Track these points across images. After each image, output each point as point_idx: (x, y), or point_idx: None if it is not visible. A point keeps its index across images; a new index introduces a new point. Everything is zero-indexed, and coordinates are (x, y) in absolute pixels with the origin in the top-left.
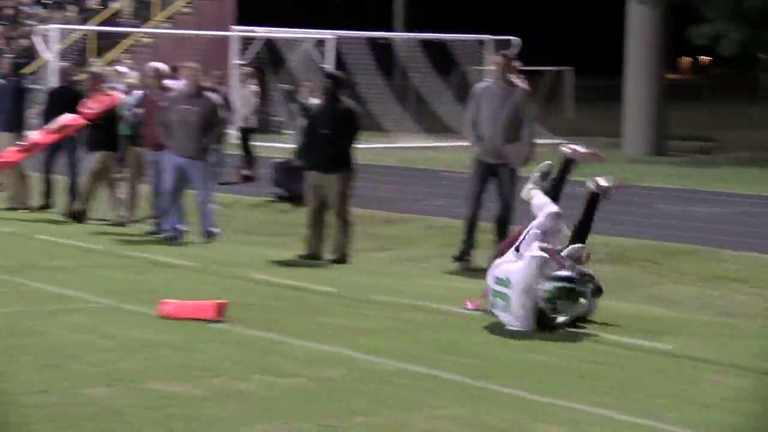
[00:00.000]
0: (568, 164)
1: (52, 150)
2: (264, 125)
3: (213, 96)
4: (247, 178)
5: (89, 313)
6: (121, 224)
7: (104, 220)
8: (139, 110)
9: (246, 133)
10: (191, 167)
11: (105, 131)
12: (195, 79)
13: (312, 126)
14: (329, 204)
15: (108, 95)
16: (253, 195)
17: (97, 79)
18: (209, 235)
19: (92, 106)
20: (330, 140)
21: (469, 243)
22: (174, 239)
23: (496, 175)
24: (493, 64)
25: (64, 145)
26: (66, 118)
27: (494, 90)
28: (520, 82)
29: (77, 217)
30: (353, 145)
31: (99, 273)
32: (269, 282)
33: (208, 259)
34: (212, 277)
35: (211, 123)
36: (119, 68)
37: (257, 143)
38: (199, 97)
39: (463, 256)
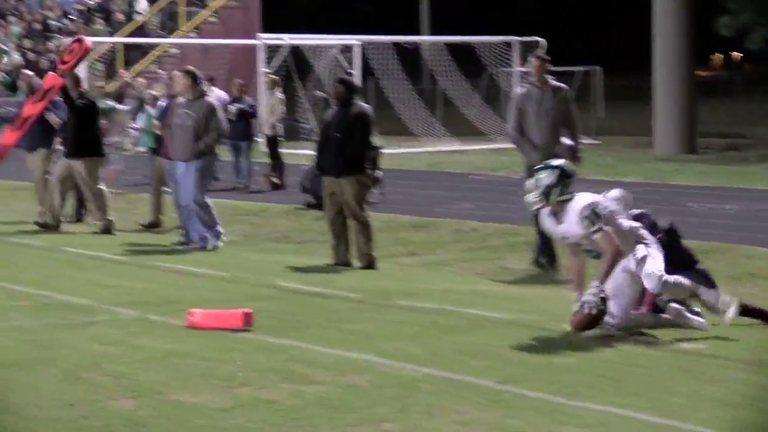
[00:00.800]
0: None
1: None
2: (292, 132)
3: (211, 100)
4: (276, 186)
5: (116, 325)
6: (108, 231)
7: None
8: (158, 122)
9: (273, 141)
10: (186, 169)
11: (88, 137)
12: (189, 84)
13: (325, 131)
14: (345, 208)
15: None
16: (282, 202)
17: (76, 82)
18: (202, 236)
19: (66, 59)
20: (342, 144)
21: (546, 250)
22: (202, 247)
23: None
24: (529, 67)
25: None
26: (45, 81)
27: (535, 93)
28: (559, 83)
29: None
30: (366, 149)
31: (126, 284)
32: (295, 289)
33: (235, 268)
34: (238, 285)
35: (208, 126)
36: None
37: (285, 150)
38: (196, 101)
39: (548, 263)
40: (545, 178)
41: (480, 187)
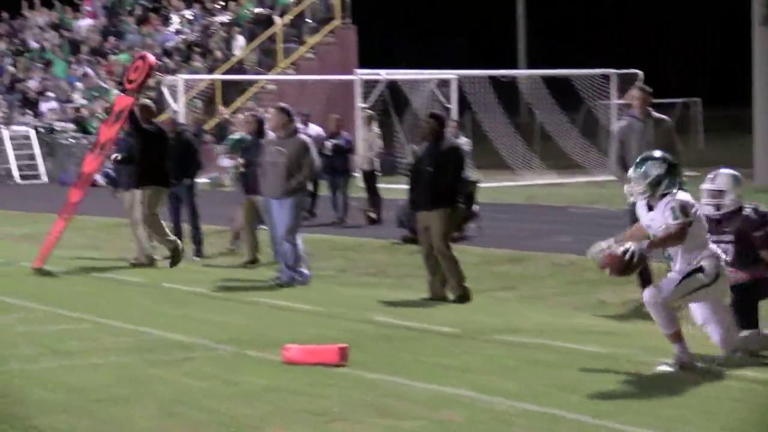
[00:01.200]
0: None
1: (175, 198)
2: (388, 167)
3: (304, 137)
4: (372, 221)
5: (213, 360)
6: (151, 263)
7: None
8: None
9: (371, 176)
10: (280, 206)
11: (153, 165)
12: (282, 121)
13: (416, 165)
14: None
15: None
16: (379, 237)
17: (149, 111)
18: (291, 275)
19: (132, 77)
20: (433, 178)
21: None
22: (291, 280)
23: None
24: (628, 99)
25: (182, 193)
26: (116, 103)
27: (637, 126)
28: (662, 115)
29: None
30: (458, 184)
31: (223, 320)
32: (391, 324)
33: (331, 303)
34: (334, 320)
35: (300, 164)
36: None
37: (382, 185)
38: (289, 139)
39: None
40: (654, 168)
41: (578, 220)
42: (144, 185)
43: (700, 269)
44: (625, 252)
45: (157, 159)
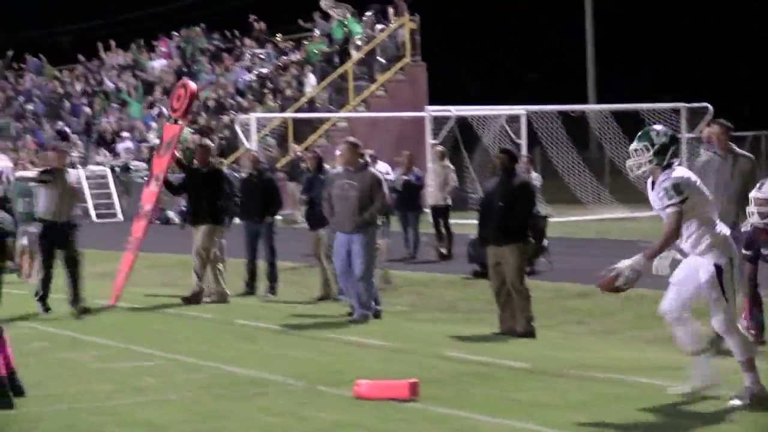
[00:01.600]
0: None
1: (254, 235)
2: (459, 203)
3: (375, 171)
4: (443, 256)
5: (284, 396)
6: (224, 300)
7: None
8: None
9: (444, 211)
10: (353, 242)
11: (208, 202)
12: (354, 155)
13: (487, 200)
14: (506, 277)
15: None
16: (449, 272)
17: (206, 151)
18: (364, 313)
19: (175, 106)
20: (504, 214)
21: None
22: (364, 318)
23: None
24: (710, 134)
25: (261, 231)
26: (165, 133)
27: (718, 162)
28: (744, 152)
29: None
30: (528, 219)
31: (294, 355)
32: (461, 359)
33: (402, 338)
34: (405, 355)
35: (372, 198)
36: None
37: (453, 221)
38: (359, 172)
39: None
40: (658, 137)
41: None
42: (199, 223)
43: (719, 270)
44: (620, 283)
45: (212, 198)
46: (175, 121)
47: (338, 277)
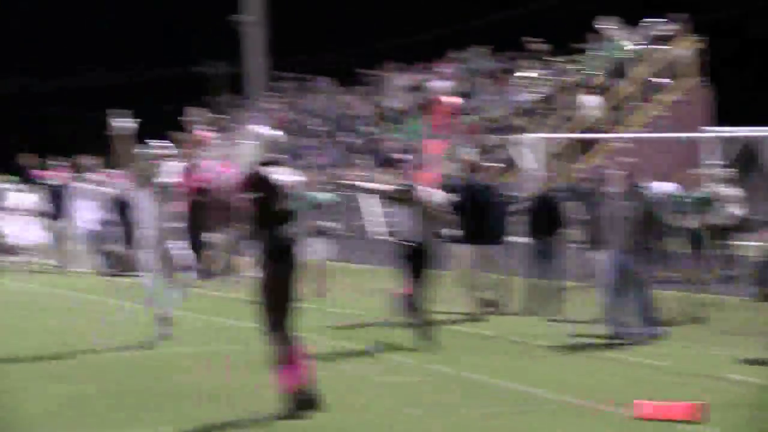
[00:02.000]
0: None
1: (542, 254)
2: (744, 224)
3: (647, 194)
4: (726, 278)
5: (558, 414)
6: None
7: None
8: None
9: (725, 232)
10: (629, 263)
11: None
12: (626, 177)
13: None
14: None
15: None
16: (733, 294)
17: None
18: (641, 332)
19: (436, 123)
20: None
21: None
22: (646, 338)
23: None
24: None
25: (542, 249)
26: (425, 149)
27: None
28: None
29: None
30: None
31: (571, 373)
32: (748, 383)
33: (685, 359)
34: (688, 377)
35: (647, 219)
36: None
37: (737, 242)
38: (634, 195)
39: None
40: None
41: None
42: (472, 243)
43: None
44: None
45: (474, 215)
46: (439, 137)
47: (606, 296)
